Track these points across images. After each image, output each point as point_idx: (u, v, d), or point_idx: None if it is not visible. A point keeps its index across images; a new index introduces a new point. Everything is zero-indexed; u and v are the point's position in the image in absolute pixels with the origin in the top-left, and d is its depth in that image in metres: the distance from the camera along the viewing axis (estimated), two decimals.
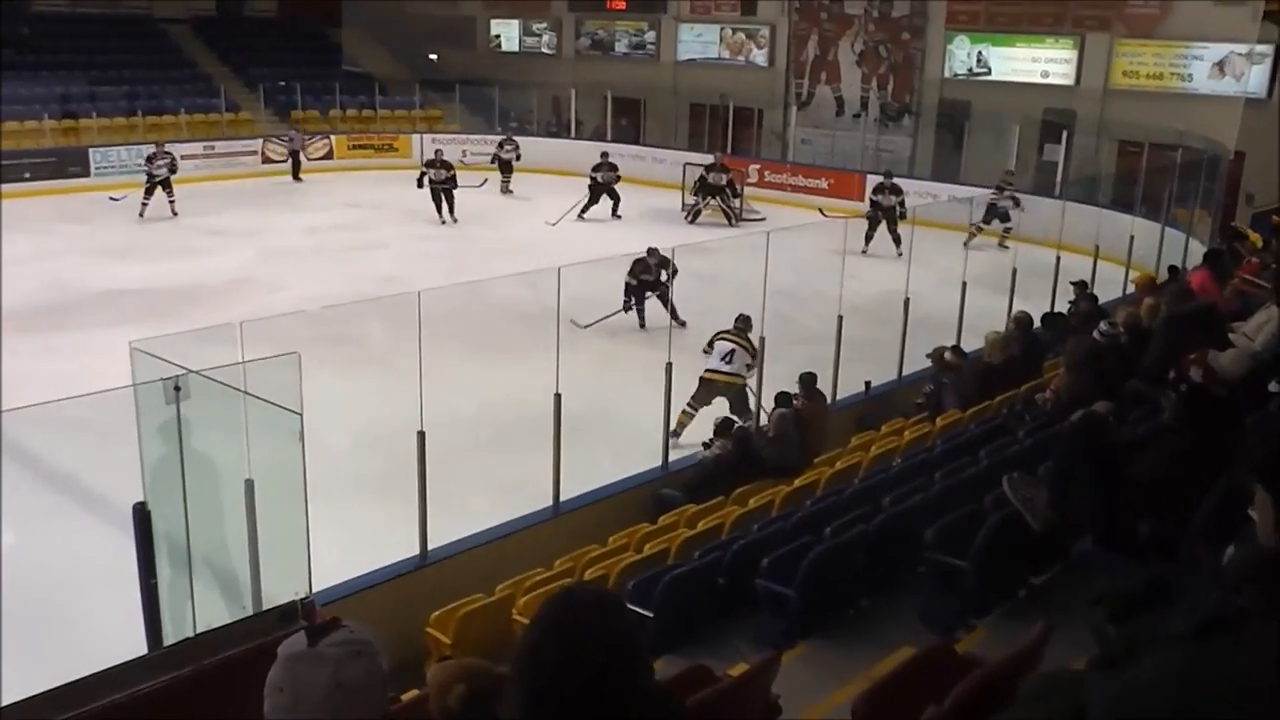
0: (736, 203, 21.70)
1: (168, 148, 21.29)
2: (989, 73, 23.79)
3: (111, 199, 20.87)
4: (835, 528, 5.76)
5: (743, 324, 10.49)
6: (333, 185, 24.02)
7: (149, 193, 20.24)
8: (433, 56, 30.86)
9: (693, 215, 21.32)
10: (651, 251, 13.56)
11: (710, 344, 10.53)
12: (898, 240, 17.39)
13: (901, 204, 18.14)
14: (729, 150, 24.87)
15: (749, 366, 10.13)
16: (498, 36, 32.32)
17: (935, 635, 4.95)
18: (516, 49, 31.93)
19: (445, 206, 20.38)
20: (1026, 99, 22.48)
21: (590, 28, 30.57)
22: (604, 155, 21.95)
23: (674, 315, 13.09)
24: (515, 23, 31.89)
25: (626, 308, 13.65)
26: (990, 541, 5.13)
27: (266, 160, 26.02)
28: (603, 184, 21.28)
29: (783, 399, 8.66)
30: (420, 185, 20.17)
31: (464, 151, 27.30)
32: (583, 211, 21.07)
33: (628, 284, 13.73)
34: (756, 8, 27.15)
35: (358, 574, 6.60)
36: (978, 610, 5.16)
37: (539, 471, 7.87)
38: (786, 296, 12.98)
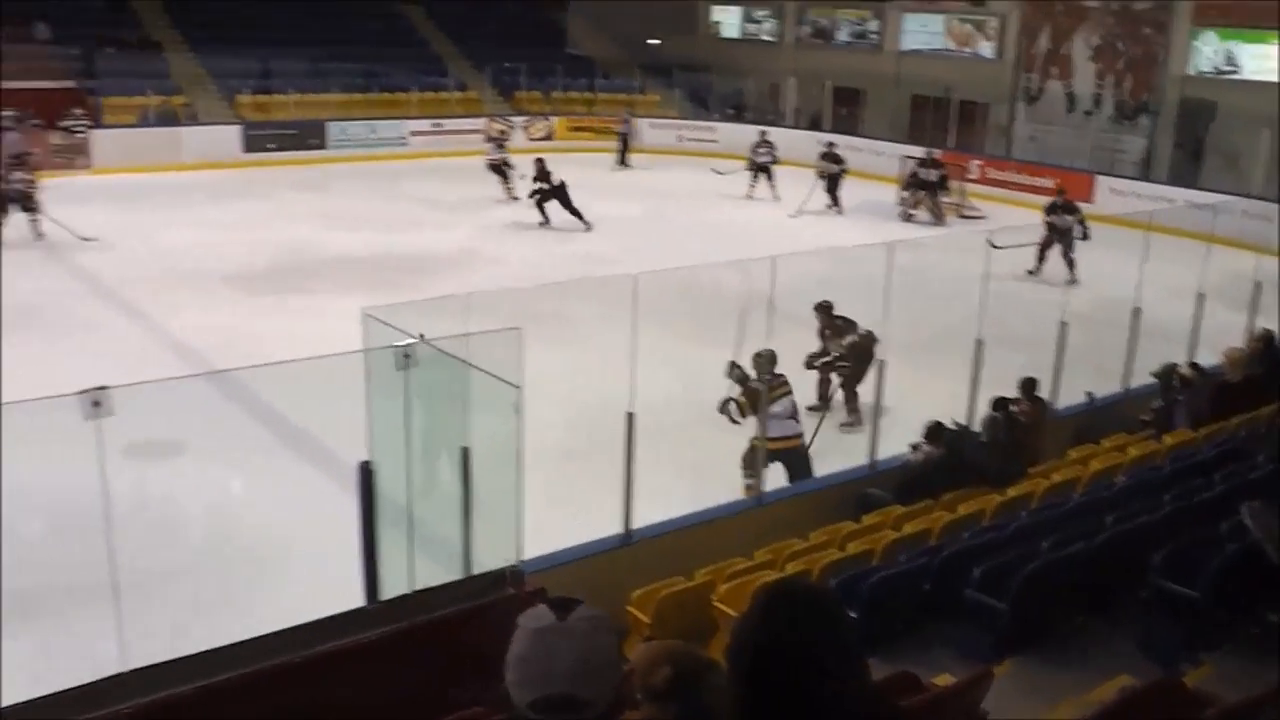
0: (950, 199, 21.08)
1: (770, 137, 22.34)
2: (1238, 71, 22.31)
3: (717, 171, 22.51)
4: (1053, 543, 5.53)
5: (769, 360, 8.36)
6: (553, 166, 24.49)
7: (756, 176, 21.26)
8: (653, 41, 31.14)
9: (906, 214, 20.77)
10: (822, 309, 10.76)
11: (751, 406, 8.26)
12: (1071, 264, 16.06)
13: (1081, 223, 16.43)
14: (950, 144, 24.22)
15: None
16: (718, 23, 32.33)
17: (1155, 666, 4.69)
18: (737, 35, 31.87)
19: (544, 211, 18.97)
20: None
21: (812, 15, 30.22)
22: (829, 145, 21.69)
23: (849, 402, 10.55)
24: (737, 9, 31.83)
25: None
26: (1225, 571, 4.82)
27: (490, 139, 26.79)
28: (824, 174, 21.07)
29: (999, 404, 8.36)
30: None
31: (679, 137, 27.53)
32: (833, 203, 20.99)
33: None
34: None
35: (562, 547, 6.73)
36: (1206, 644, 4.85)
37: (738, 459, 7.86)
38: (1001, 298, 12.52)
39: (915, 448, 8.20)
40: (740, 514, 7.55)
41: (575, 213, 18.68)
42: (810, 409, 9.15)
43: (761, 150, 22.07)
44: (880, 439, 8.46)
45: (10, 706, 3.98)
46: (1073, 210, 16.65)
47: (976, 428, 8.53)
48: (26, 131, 21.44)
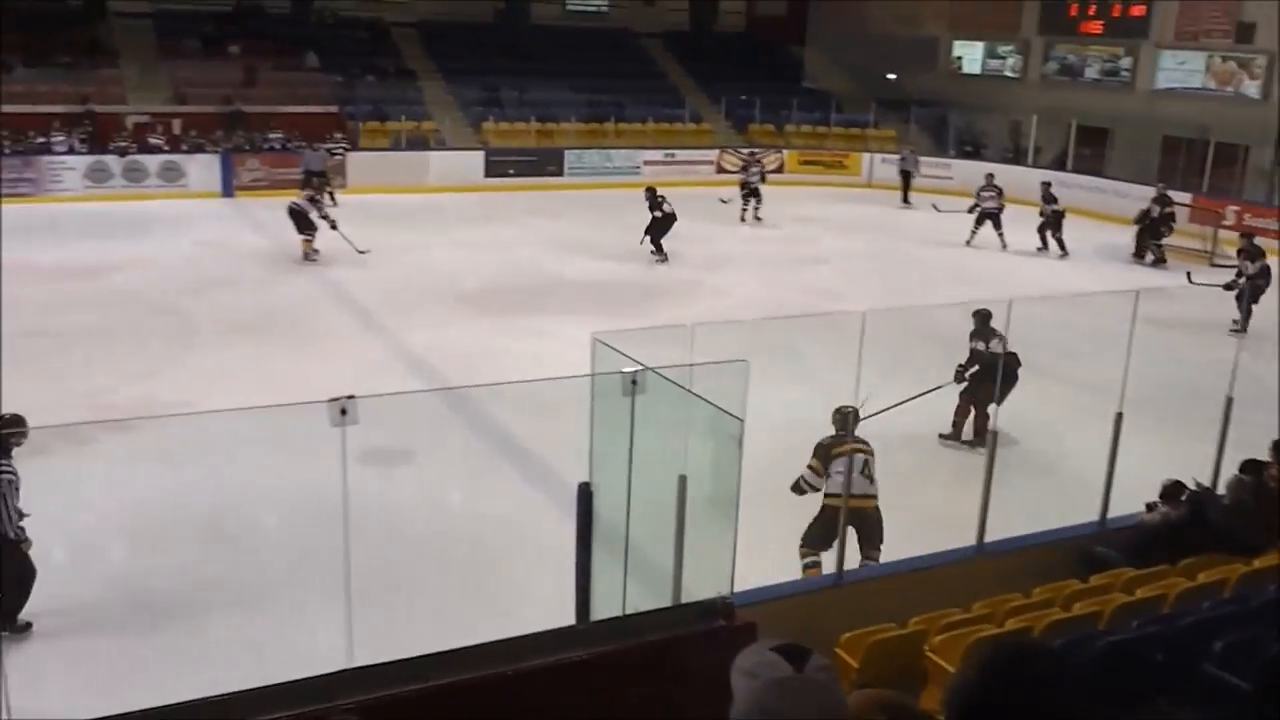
0: (1199, 246, 19.94)
1: (997, 180, 20.62)
2: None
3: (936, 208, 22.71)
4: None
5: (844, 419, 7.97)
6: (782, 199, 24.51)
7: (980, 221, 20.59)
8: (890, 76, 30.76)
9: (1140, 253, 19.80)
10: (976, 315, 10.68)
11: (822, 464, 7.85)
12: (1247, 314, 14.76)
13: (1263, 273, 14.99)
14: (1204, 189, 22.92)
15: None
16: (959, 58, 31.63)
17: None
18: (978, 71, 31.08)
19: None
20: None
21: (1060, 52, 29.16)
22: (1045, 185, 20.82)
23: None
24: (980, 45, 31.07)
25: None
26: None
27: (721, 170, 27.09)
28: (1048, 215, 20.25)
29: (1249, 466, 7.81)
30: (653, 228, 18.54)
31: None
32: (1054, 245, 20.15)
33: None
34: (1254, 34, 24.71)
35: (771, 583, 6.67)
36: None
37: (963, 507, 7.60)
38: (1261, 355, 11.74)
39: (1151, 507, 7.75)
40: (958, 563, 7.30)
41: (657, 244, 18.31)
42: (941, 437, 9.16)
43: (987, 194, 20.52)
44: (1112, 495, 8.04)
45: (240, 693, 4.22)
46: (1255, 256, 15.28)
47: (1221, 490, 7.99)
48: (321, 152, 23.08)
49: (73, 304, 14.49)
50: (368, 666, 4.35)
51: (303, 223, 17.33)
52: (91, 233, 18.83)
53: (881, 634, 5.97)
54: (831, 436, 7.98)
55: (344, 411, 4.22)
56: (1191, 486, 7.86)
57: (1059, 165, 25.89)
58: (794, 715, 1.76)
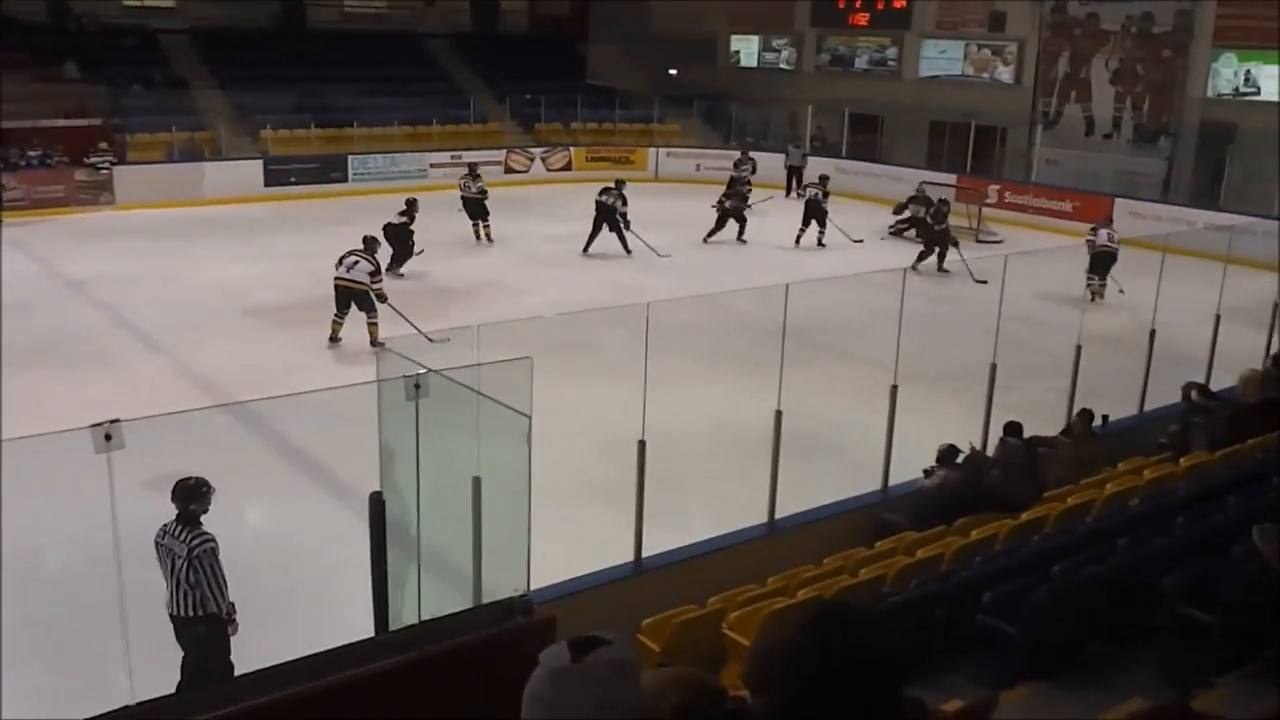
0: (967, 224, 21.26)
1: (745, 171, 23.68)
2: (1258, 93, 22.25)
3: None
4: (1065, 567, 5.49)
5: (368, 244, 13.66)
6: (572, 196, 24.57)
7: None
8: (672, 71, 31.32)
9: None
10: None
11: (340, 261, 13.24)
12: (920, 256, 18.06)
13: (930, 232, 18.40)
14: (968, 169, 24.26)
15: (371, 275, 13.05)
16: (737, 52, 32.52)
17: (1170, 690, 4.65)
18: (755, 64, 32.05)
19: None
20: None
21: (831, 43, 30.36)
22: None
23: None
24: (755, 39, 32.02)
25: None
26: (1237, 595, 4.78)
27: (509, 170, 27.02)
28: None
29: (1011, 429, 8.34)
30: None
31: (698, 165, 27.62)
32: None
33: None
34: (1005, 23, 26.36)
35: (573, 576, 6.74)
36: (1219, 668, 4.80)
37: (757, 488, 7.84)
38: (1025, 323, 12.52)
39: (929, 472, 8.19)
40: (752, 541, 7.54)
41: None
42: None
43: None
44: (899, 464, 8.45)
45: None
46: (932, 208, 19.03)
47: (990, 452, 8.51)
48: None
49: None
50: (150, 701, 4.18)
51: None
52: None
53: (681, 616, 6.12)
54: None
55: (109, 437, 4.03)
56: (965, 450, 8.35)
57: (835, 153, 26.94)
58: (563, 703, 1.72)
